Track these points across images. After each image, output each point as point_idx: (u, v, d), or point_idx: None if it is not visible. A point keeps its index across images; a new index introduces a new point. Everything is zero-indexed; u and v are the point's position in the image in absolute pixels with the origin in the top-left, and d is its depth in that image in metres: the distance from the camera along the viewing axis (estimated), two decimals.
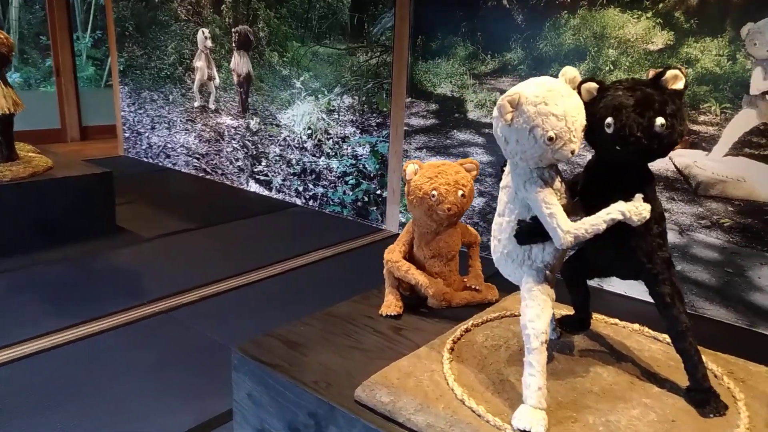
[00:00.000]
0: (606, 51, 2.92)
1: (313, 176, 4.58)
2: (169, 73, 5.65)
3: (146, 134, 6.09)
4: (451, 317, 1.77)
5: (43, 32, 10.77)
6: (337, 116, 4.32)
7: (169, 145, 5.84)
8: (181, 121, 5.66)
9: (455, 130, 3.66)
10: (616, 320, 1.66)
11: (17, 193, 3.34)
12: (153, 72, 5.82)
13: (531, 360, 1.21)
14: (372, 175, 4.19)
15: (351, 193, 4.35)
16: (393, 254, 1.84)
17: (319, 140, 4.47)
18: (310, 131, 4.52)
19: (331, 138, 4.39)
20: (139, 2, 5.72)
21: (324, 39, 4.28)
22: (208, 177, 5.49)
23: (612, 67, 2.92)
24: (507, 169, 1.35)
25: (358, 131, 4.21)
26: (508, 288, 1.94)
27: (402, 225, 4.05)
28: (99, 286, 3.01)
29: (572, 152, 1.16)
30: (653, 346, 1.52)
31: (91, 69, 10.98)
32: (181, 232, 3.94)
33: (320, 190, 4.55)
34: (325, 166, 4.48)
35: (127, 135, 6.37)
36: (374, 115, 4.09)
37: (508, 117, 1.16)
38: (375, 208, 4.23)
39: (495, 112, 1.21)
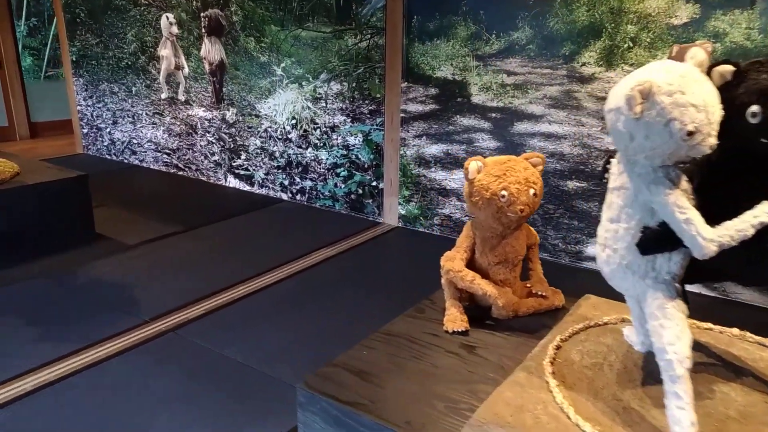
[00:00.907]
0: (624, 27, 2.79)
1: (300, 169, 4.33)
2: (130, 62, 5.25)
3: (107, 129, 5.68)
4: (521, 329, 1.62)
5: None
6: (324, 104, 4.07)
7: (135, 141, 5.45)
8: (147, 114, 5.28)
9: (458, 116, 3.48)
10: (710, 324, 1.53)
11: None
12: (111, 62, 5.40)
13: (678, 391, 1.06)
14: (366, 165, 3.98)
15: (343, 186, 4.13)
16: (454, 262, 1.66)
17: (305, 130, 4.22)
18: (294, 121, 4.26)
19: (319, 128, 4.14)
20: None
21: (306, 22, 4.01)
22: (181, 173, 5.16)
23: (631, 44, 2.79)
24: (616, 167, 1.19)
25: (348, 120, 3.98)
26: (572, 292, 1.80)
27: (403, 217, 3.87)
28: (89, 305, 2.71)
29: (711, 147, 1.01)
30: (764, 354, 1.40)
31: (28, 60, 10.25)
32: (165, 237, 3.65)
33: (308, 183, 4.31)
34: (312, 158, 4.23)
35: (85, 131, 5.92)
36: (366, 101, 3.87)
37: (638, 109, 0.99)
38: (371, 200, 4.03)
39: (613, 104, 1.04)
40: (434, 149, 3.62)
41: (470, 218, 1.71)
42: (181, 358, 2.28)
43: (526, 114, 3.21)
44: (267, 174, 4.54)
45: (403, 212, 3.88)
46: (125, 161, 5.61)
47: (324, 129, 4.12)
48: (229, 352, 2.32)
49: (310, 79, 4.09)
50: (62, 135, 6.93)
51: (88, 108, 5.77)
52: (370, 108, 3.86)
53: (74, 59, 5.72)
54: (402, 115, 3.71)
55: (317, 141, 4.17)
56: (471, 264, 1.69)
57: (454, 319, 1.63)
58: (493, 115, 3.34)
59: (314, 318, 2.64)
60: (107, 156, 5.78)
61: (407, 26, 3.55)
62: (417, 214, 3.81)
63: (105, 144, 5.76)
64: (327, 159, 4.15)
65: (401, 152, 3.77)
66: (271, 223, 4.00)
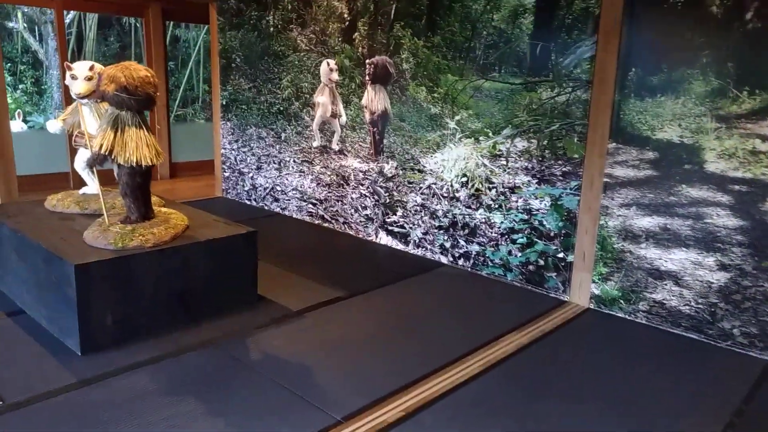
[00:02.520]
0: None
1: (467, 231, 3.89)
2: (282, 108, 5.09)
3: (250, 174, 5.53)
4: None
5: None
6: (504, 162, 3.63)
7: (279, 188, 5.25)
8: (295, 161, 5.07)
9: (684, 185, 2.92)
10: None
11: (160, 261, 2.74)
12: (262, 107, 5.27)
13: None
14: (552, 234, 3.47)
15: (520, 255, 3.64)
16: None
17: (477, 189, 3.79)
18: (465, 179, 3.85)
19: (495, 188, 3.70)
20: (250, 32, 5.20)
21: (491, 72, 3.63)
22: (326, 225, 4.87)
23: None
24: None
25: (534, 181, 3.51)
26: None
27: (596, 298, 3.31)
28: (270, 391, 2.35)
29: None
30: None
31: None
32: (330, 303, 3.28)
33: (475, 247, 3.85)
34: (483, 220, 3.78)
35: (226, 174, 5.82)
36: (559, 162, 3.39)
37: None
38: (554, 274, 3.50)
39: None
40: (647, 222, 3.06)
41: None
42: None
43: None
44: (425, 234, 4.14)
45: (597, 292, 3.32)
46: (266, 208, 5.42)
47: (501, 189, 3.67)
48: None
49: (490, 134, 3.67)
50: (198, 176, 6.95)
51: (233, 152, 5.68)
52: (563, 169, 3.38)
53: (224, 103, 5.67)
54: (606, 180, 3.19)
55: (491, 202, 3.72)
56: None
57: None
58: (737, 187, 2.76)
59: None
60: (246, 201, 5.63)
61: (621, 79, 3.06)
62: (616, 296, 3.24)
63: (246, 189, 5.62)
64: (502, 223, 3.69)
65: (601, 222, 3.24)
66: (438, 291, 3.55)
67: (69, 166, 6.08)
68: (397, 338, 2.88)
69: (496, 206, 3.71)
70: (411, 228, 4.23)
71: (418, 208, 4.16)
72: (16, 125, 8.51)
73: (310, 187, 4.97)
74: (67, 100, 6.12)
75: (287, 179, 5.16)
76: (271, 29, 5.01)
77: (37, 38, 8.48)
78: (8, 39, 9.59)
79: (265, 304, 3.22)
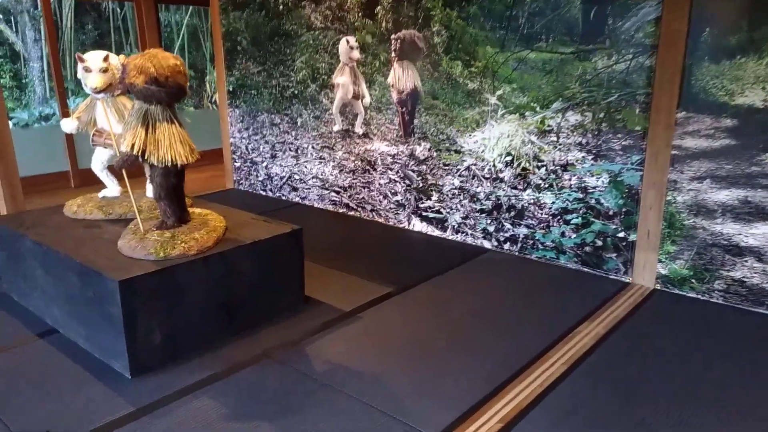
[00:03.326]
0: None
1: (513, 214, 3.65)
2: (297, 92, 4.78)
3: (264, 164, 5.24)
4: None
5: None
6: (554, 138, 3.39)
7: (297, 176, 4.97)
8: (314, 148, 4.78)
9: None
10: None
11: (206, 269, 2.48)
12: (274, 92, 4.96)
13: None
14: (611, 212, 3.25)
15: (574, 236, 3.42)
16: None
17: (524, 169, 3.55)
18: (509, 158, 3.60)
19: (545, 166, 3.46)
20: (256, 12, 4.86)
21: (537, 41, 3.36)
22: (351, 213, 4.61)
23: None
24: None
25: (590, 157, 3.27)
26: None
27: (663, 278, 3.11)
28: (342, 407, 2.11)
29: None
30: None
31: None
32: (380, 300, 3.04)
33: (523, 230, 3.62)
34: (532, 201, 3.55)
35: (237, 164, 5.52)
36: (618, 136, 3.15)
37: None
38: (614, 255, 3.28)
39: None
40: (724, 195, 2.85)
41: None
42: None
43: None
44: (465, 218, 3.90)
45: (664, 272, 3.11)
46: (283, 198, 5.14)
47: (552, 168, 3.43)
48: None
49: (537, 108, 3.42)
50: (204, 167, 6.61)
51: (243, 140, 5.37)
52: (623, 143, 3.14)
53: (230, 89, 5.35)
54: (674, 152, 2.96)
55: (540, 182, 3.49)
56: None
57: None
58: None
59: None
60: (261, 192, 5.34)
61: (693, 42, 2.81)
62: (687, 276, 3.04)
63: (260, 179, 5.32)
64: (553, 203, 3.46)
65: (668, 198, 3.02)
66: (490, 280, 3.32)
67: (68, 164, 5.73)
68: (465, 336, 2.66)
69: (546, 186, 3.47)
70: (448, 213, 3.99)
71: (456, 191, 3.91)
72: None
73: (332, 175, 4.69)
74: (60, 93, 5.76)
75: (306, 167, 4.88)
76: (281, 7, 4.67)
77: (14, 30, 8.01)
78: None
79: (312, 305, 2.97)
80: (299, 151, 4.90)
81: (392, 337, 2.65)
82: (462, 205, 3.90)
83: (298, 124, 4.85)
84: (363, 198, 4.50)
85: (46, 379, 2.29)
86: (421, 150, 4.06)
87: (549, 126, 3.40)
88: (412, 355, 2.50)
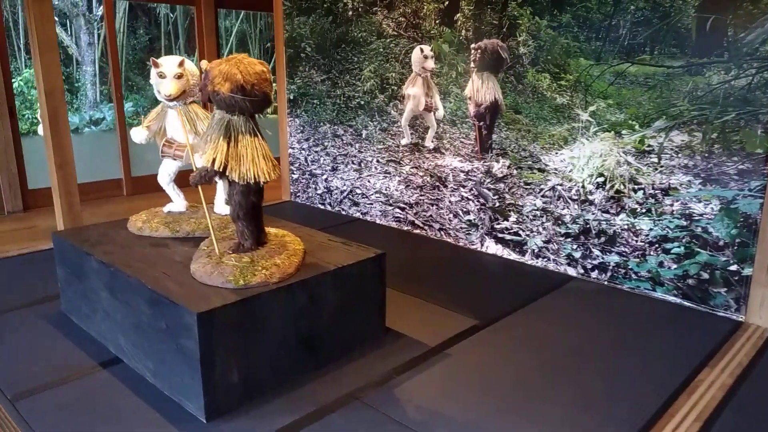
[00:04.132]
0: None
1: (603, 239, 3.34)
2: (363, 102, 4.56)
3: (324, 176, 5.03)
4: None
5: (149, 58, 10.10)
6: (655, 160, 3.07)
7: (359, 191, 4.74)
8: (379, 161, 4.55)
9: None
10: None
11: (287, 299, 2.25)
12: (338, 101, 4.75)
13: None
14: (721, 243, 2.92)
15: (675, 267, 3.09)
16: None
17: (618, 191, 3.24)
18: (601, 179, 3.29)
19: (642, 189, 3.14)
20: (323, 17, 4.67)
21: (639, 53, 3.06)
22: (417, 231, 4.35)
23: None
24: None
25: (697, 181, 2.95)
26: None
27: None
28: None
29: None
30: None
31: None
32: (467, 335, 2.77)
33: (614, 258, 3.31)
34: (625, 227, 3.23)
35: (295, 176, 5.32)
36: (734, 159, 2.82)
37: None
38: (724, 289, 2.95)
39: None
40: None
41: None
42: None
43: None
44: (547, 242, 3.59)
45: None
46: (342, 212, 4.91)
47: (651, 191, 3.11)
48: None
49: (637, 127, 3.11)
50: None
51: (302, 152, 5.17)
52: (739, 167, 2.81)
53: (291, 98, 5.16)
54: None
55: (637, 206, 3.17)
56: None
57: None
58: None
59: None
60: (320, 205, 5.13)
61: None
62: None
63: (318, 192, 5.11)
64: (651, 230, 3.14)
65: None
66: (583, 313, 3.02)
67: (122, 172, 5.63)
68: (569, 380, 2.36)
69: (644, 211, 3.16)
70: (528, 236, 3.69)
71: (538, 212, 3.62)
72: None
73: (397, 190, 4.44)
74: (118, 98, 5.68)
75: (369, 181, 4.65)
76: (350, 13, 4.47)
77: (69, 33, 8.03)
78: None
79: (394, 338, 2.71)
80: (362, 165, 4.68)
81: (487, 379, 2.38)
82: (544, 228, 3.61)
83: (363, 136, 4.63)
84: (431, 216, 4.24)
85: (113, 418, 2.08)
86: (499, 167, 3.78)
87: (649, 146, 3.09)
88: (514, 400, 2.22)
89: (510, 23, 3.54)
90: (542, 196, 3.59)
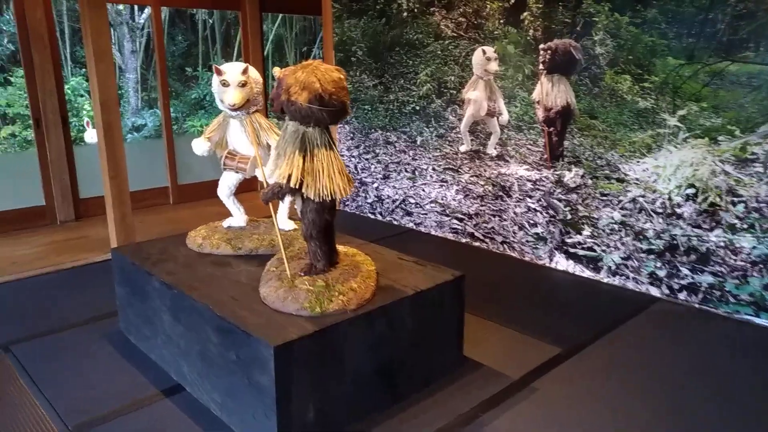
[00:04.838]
0: None
1: (694, 257, 3.05)
2: (418, 107, 4.34)
3: (375, 185, 4.82)
4: None
5: (187, 63, 10.03)
6: (760, 169, 2.78)
7: (412, 200, 4.52)
8: (434, 169, 4.32)
9: None
10: None
11: (366, 328, 2.04)
12: (392, 107, 4.54)
13: None
14: None
15: None
16: None
17: (712, 204, 2.95)
18: (692, 190, 3.01)
19: (743, 202, 2.85)
20: (375, 19, 4.47)
21: (741, 50, 2.77)
22: (476, 244, 4.10)
23: None
24: None
25: None
26: None
27: None
28: None
29: None
30: None
31: None
32: (552, 366, 2.52)
33: (707, 278, 3.01)
34: (722, 244, 2.94)
35: None
36: None
37: None
38: None
39: None
40: None
41: None
42: None
43: None
44: (627, 259, 3.32)
45: None
46: (394, 222, 4.70)
47: (754, 205, 2.81)
48: None
49: (737, 132, 2.82)
50: None
51: (352, 159, 4.97)
52: None
53: None
54: None
55: (737, 221, 2.88)
56: None
57: None
58: None
59: None
60: (369, 215, 4.92)
61: None
62: None
63: (369, 201, 4.91)
64: (754, 248, 2.84)
65: None
66: (677, 339, 2.74)
67: (168, 180, 5.51)
68: (674, 418, 2.09)
69: (745, 226, 2.86)
70: (604, 251, 3.42)
71: (616, 226, 3.35)
72: (94, 134, 8.08)
73: (455, 200, 4.21)
74: (165, 105, 5.58)
75: (423, 190, 4.42)
76: (405, 14, 4.26)
77: (113, 41, 8.00)
78: (79, 43, 9.20)
79: (472, 368, 2.48)
80: (417, 173, 4.46)
81: (581, 417, 2.13)
82: (623, 244, 3.33)
83: (418, 142, 4.41)
84: (492, 228, 4.00)
85: None
86: (571, 176, 3.52)
87: (753, 153, 2.79)
88: None
89: (585, 21, 3.28)
90: (621, 208, 3.32)
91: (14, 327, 2.87)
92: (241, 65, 2.49)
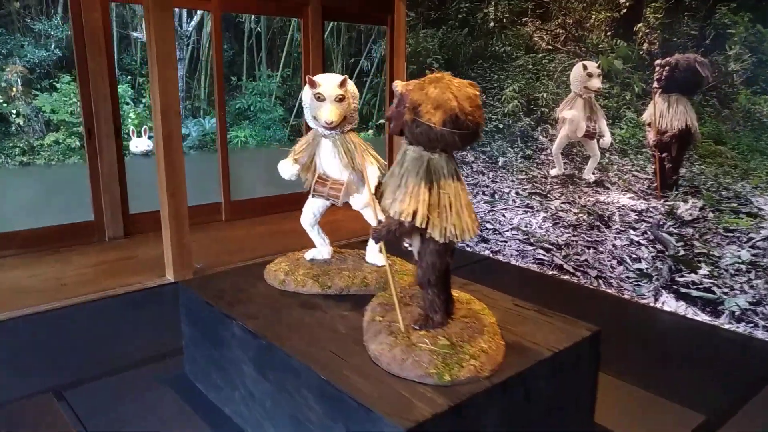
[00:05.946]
0: None
1: None
2: (502, 125, 3.97)
3: None
4: None
5: (231, 72, 9.84)
6: None
7: (490, 226, 4.13)
8: (518, 193, 3.93)
9: None
10: None
11: (503, 399, 1.66)
12: None
13: None
14: None
15: None
16: None
17: None
18: None
19: None
20: (455, 29, 4.12)
21: None
22: (565, 277, 3.69)
23: None
24: None
25: None
26: None
27: None
28: None
29: None
30: None
31: (279, 110, 9.90)
32: None
33: None
34: None
35: None
36: None
37: None
38: None
39: None
40: None
41: None
42: None
43: None
44: (756, 304, 2.87)
45: None
46: (467, 248, 4.32)
47: None
48: None
49: None
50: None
51: None
52: None
53: None
54: None
55: None
56: None
57: None
58: None
59: None
60: None
61: None
62: None
63: None
64: None
65: None
66: None
67: (221, 196, 5.22)
68: None
69: None
70: (727, 294, 2.98)
71: (743, 266, 2.91)
72: (143, 143, 7.88)
73: (541, 227, 3.81)
74: (221, 117, 5.31)
75: (504, 215, 4.03)
76: (491, 24, 3.90)
77: None
78: (126, 51, 9.08)
79: None
80: (496, 196, 4.07)
81: None
82: (752, 287, 2.89)
83: (499, 163, 4.03)
84: (586, 260, 3.58)
85: None
86: (687, 208, 3.10)
87: None
88: None
89: (716, 33, 2.88)
90: (751, 246, 2.88)
91: (66, 366, 2.57)
92: (338, 77, 2.16)
